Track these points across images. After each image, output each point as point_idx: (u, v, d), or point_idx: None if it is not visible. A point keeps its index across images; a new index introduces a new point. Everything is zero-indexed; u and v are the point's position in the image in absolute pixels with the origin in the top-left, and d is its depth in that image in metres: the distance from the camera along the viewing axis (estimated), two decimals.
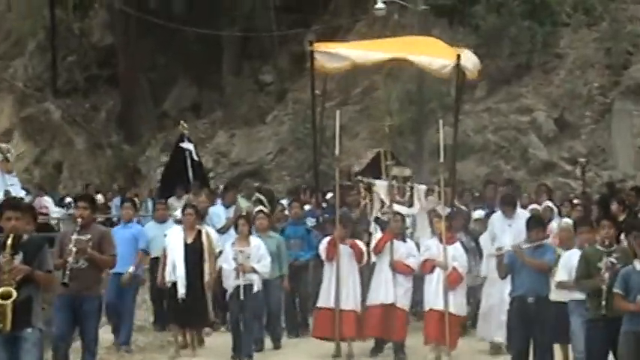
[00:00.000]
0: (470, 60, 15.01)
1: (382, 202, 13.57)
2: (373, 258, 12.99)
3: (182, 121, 20.37)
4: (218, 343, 13.23)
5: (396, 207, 13.28)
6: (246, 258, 12.32)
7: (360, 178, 14.45)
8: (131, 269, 12.79)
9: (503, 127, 27.17)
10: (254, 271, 12.41)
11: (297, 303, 14.37)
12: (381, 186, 13.60)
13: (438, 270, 12.50)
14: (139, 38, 35.27)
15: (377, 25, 30.77)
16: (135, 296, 13.23)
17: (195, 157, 19.25)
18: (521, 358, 10.58)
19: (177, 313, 12.61)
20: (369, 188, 13.90)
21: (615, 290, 8.91)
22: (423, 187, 14.17)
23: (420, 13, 25.75)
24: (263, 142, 32.14)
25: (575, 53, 28.61)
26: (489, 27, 27.85)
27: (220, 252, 12.90)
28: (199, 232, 12.76)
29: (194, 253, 12.57)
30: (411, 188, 13.76)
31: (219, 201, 16.51)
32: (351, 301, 12.68)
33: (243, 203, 15.76)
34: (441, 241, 12.53)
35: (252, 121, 33.26)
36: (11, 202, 8.68)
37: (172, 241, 12.74)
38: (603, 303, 9.07)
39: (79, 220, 9.88)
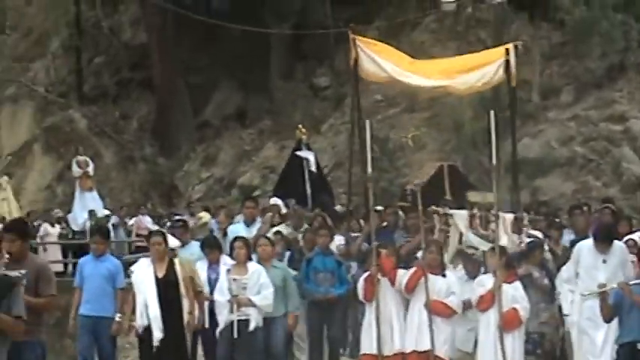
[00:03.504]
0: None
1: (461, 235, 13.25)
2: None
3: (300, 126, 20.44)
4: None
5: (475, 240, 13.03)
6: (242, 288, 12.15)
7: (434, 208, 13.75)
8: (117, 317, 12.68)
9: (592, 137, 26.93)
10: (251, 304, 12.17)
11: (326, 346, 13.91)
12: (461, 217, 13.27)
13: (493, 312, 12.12)
14: (175, 36, 35.33)
15: (447, 21, 31.17)
16: (114, 339, 12.92)
17: (314, 168, 19.19)
18: None
19: None
20: (445, 219, 13.48)
21: None
22: (510, 216, 13.58)
23: (497, 7, 26.12)
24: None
25: None
26: (577, 21, 27.87)
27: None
28: (171, 262, 12.23)
29: (168, 289, 12.07)
30: (496, 217, 12.98)
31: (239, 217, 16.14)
32: (397, 344, 12.47)
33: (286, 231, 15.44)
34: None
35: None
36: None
37: (141, 276, 12.19)
38: None
39: (7, 255, 9.28)
